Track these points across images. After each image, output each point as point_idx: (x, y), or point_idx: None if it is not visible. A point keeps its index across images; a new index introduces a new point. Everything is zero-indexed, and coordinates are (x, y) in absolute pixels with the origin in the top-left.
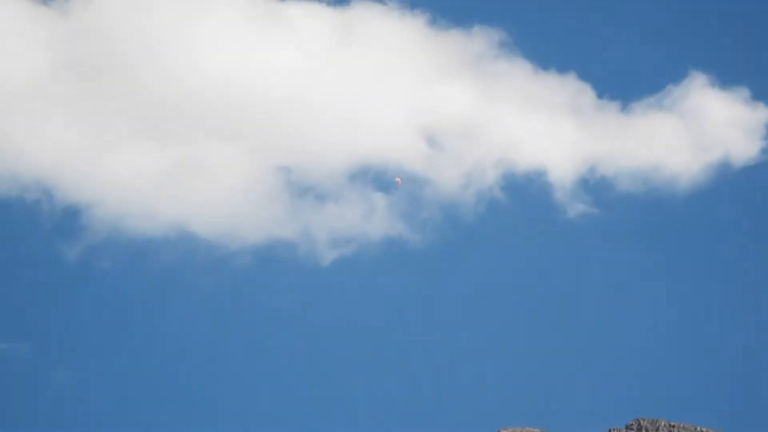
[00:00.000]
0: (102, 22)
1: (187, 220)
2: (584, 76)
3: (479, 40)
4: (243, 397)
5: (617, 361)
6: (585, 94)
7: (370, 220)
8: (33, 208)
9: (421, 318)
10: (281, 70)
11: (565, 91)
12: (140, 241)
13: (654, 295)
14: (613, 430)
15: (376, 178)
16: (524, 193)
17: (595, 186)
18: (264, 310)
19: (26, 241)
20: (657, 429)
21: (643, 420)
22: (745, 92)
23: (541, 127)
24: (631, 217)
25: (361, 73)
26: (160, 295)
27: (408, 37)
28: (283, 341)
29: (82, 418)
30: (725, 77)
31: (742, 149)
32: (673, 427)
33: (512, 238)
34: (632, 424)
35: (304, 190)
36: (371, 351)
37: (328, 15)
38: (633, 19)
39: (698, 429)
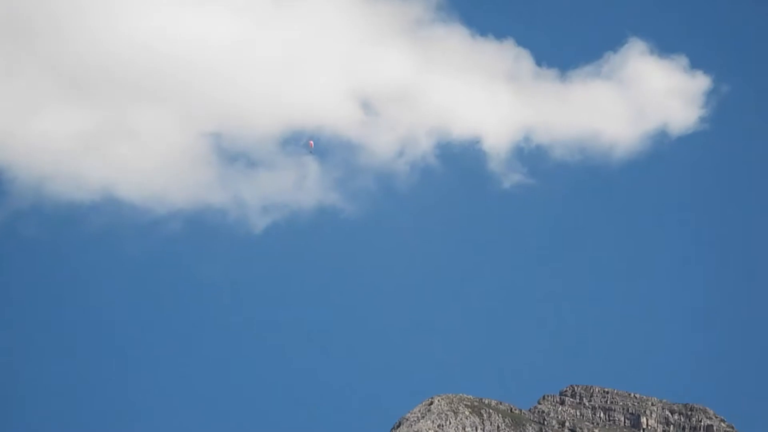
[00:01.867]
0: None
1: (114, 185)
2: (523, 42)
3: (417, 5)
4: (168, 361)
5: (551, 329)
6: (523, 60)
7: (303, 186)
8: None
9: (353, 287)
10: (211, 34)
11: (503, 57)
12: (66, 207)
13: (587, 265)
14: (548, 396)
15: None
16: (459, 163)
17: (530, 155)
18: (193, 278)
19: None
20: (591, 395)
21: (577, 386)
22: (683, 60)
23: (477, 94)
24: (566, 187)
25: (295, 37)
26: (87, 262)
27: (344, 1)
28: (212, 309)
29: (5, 385)
30: (664, 45)
31: (681, 118)
32: (607, 392)
33: (446, 209)
34: (566, 390)
35: (234, 156)
36: (302, 321)
37: None
38: None
39: (631, 395)
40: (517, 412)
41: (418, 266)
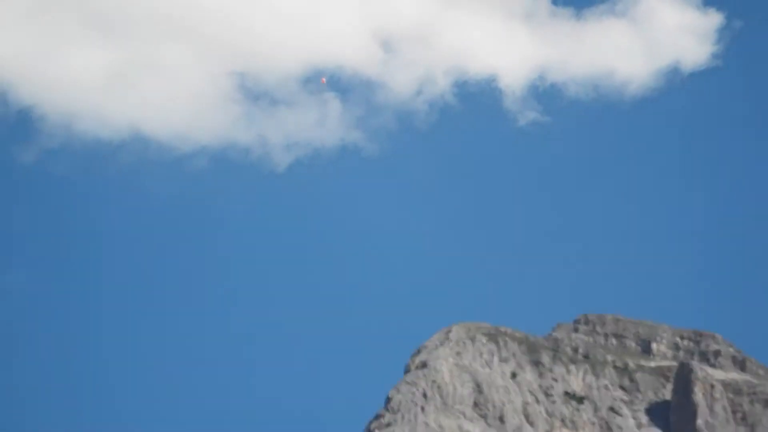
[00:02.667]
0: None
1: (141, 122)
2: None
3: None
4: (190, 295)
5: (565, 261)
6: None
7: (325, 125)
8: None
9: (374, 222)
10: None
11: None
12: (94, 144)
13: (600, 199)
14: (562, 324)
15: (331, 83)
16: (476, 101)
17: (545, 93)
18: (219, 214)
19: None
20: (604, 323)
21: (591, 315)
22: None
23: (494, 33)
24: (581, 124)
25: None
26: (115, 199)
27: None
28: (235, 246)
29: (35, 316)
30: None
31: (693, 55)
32: (619, 320)
33: (463, 146)
34: (580, 319)
35: (258, 95)
36: (325, 254)
37: None
38: None
39: (642, 322)
40: (532, 339)
41: (436, 202)
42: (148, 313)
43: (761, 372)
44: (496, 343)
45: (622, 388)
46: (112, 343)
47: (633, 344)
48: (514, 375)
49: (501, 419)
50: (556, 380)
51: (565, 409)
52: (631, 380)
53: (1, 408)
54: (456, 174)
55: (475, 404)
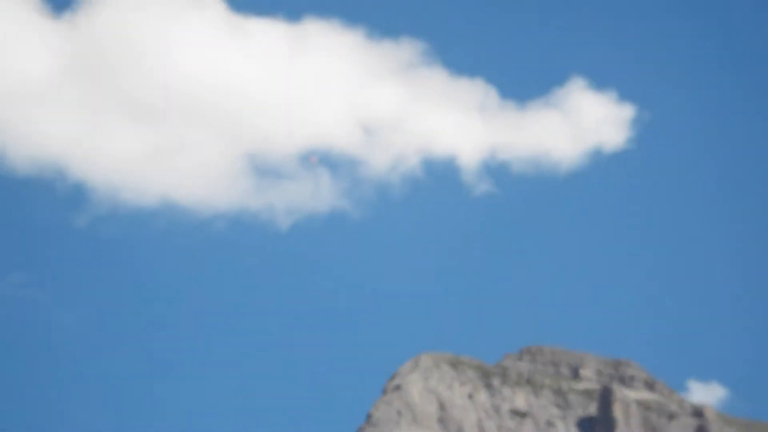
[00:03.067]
0: (102, 34)
1: (171, 192)
2: (490, 80)
3: (407, 50)
4: (226, 332)
5: (512, 303)
6: (490, 94)
7: (319, 194)
8: (48, 185)
9: (360, 275)
10: (245, 73)
11: (474, 92)
12: (135, 211)
13: (539, 256)
14: (509, 354)
15: (323, 160)
16: (439, 176)
17: (495, 170)
18: (234, 266)
19: (42, 213)
20: (542, 353)
21: (533, 347)
22: (614, 94)
23: (454, 122)
24: (524, 195)
25: (311, 76)
26: (154, 256)
27: (349, 47)
28: (253, 291)
29: (86, 355)
30: (599, 81)
31: (612, 139)
32: (555, 351)
33: (430, 213)
34: (524, 350)
35: (265, 171)
36: (319, 300)
37: (283, 29)
38: (526, 34)
39: (572, 352)
40: (485, 366)
41: (408, 259)
42: (181, 346)
43: (666, 392)
44: (456, 369)
45: (557, 406)
46: (154, 369)
47: (565, 370)
48: (470, 396)
49: None
50: (504, 400)
51: (511, 423)
52: (564, 400)
53: None
54: (423, 235)
55: (440, 420)
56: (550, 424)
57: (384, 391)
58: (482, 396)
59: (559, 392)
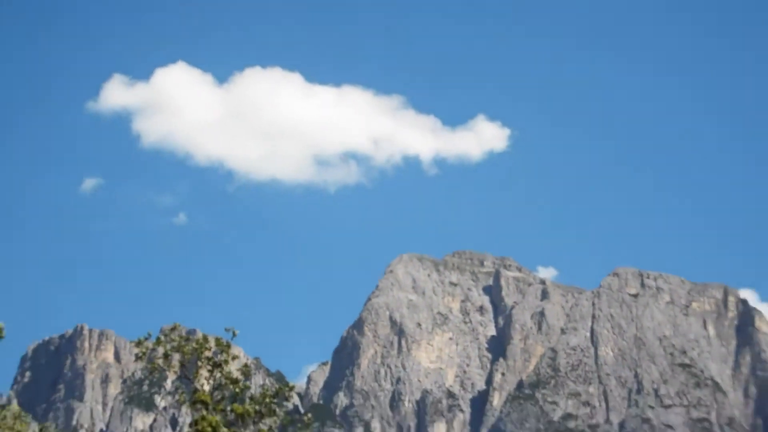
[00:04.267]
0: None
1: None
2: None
3: (395, 101)
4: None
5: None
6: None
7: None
8: (217, 175)
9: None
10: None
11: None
12: (255, 185)
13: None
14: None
15: (354, 156)
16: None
17: (441, 162)
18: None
19: (218, 196)
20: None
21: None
22: (500, 122)
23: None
24: (455, 174)
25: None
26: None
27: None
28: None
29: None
30: (492, 115)
31: (499, 146)
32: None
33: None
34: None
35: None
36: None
37: (332, 91)
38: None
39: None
40: (436, 260)
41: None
42: None
43: (525, 271)
44: (421, 261)
45: (473, 280)
46: None
47: (483, 266)
48: (429, 275)
49: None
50: (446, 277)
51: (450, 289)
52: (476, 277)
53: None
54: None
55: (413, 288)
56: (470, 289)
57: (385, 273)
58: (434, 275)
59: (474, 273)
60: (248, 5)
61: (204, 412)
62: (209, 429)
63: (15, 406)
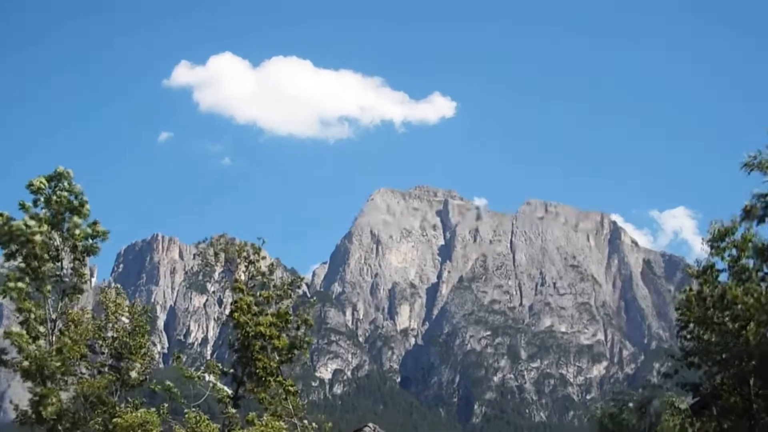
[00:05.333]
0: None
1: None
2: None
3: (376, 81)
4: None
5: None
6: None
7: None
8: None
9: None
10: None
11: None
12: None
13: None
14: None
15: (351, 122)
16: (378, 128)
17: (408, 124)
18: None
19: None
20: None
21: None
22: (449, 97)
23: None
24: (415, 134)
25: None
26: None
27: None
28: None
29: None
30: (445, 91)
31: (447, 113)
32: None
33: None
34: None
35: (328, 123)
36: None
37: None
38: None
39: None
40: (403, 192)
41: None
42: None
43: (464, 200)
44: (393, 193)
45: (436, 215)
46: None
47: (436, 197)
48: (398, 202)
49: None
50: (410, 202)
51: (413, 213)
52: (442, 210)
53: None
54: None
55: (388, 212)
56: (426, 212)
57: (367, 200)
58: (402, 202)
59: (429, 202)
60: (274, 11)
61: (241, 295)
62: (245, 306)
63: (116, 286)
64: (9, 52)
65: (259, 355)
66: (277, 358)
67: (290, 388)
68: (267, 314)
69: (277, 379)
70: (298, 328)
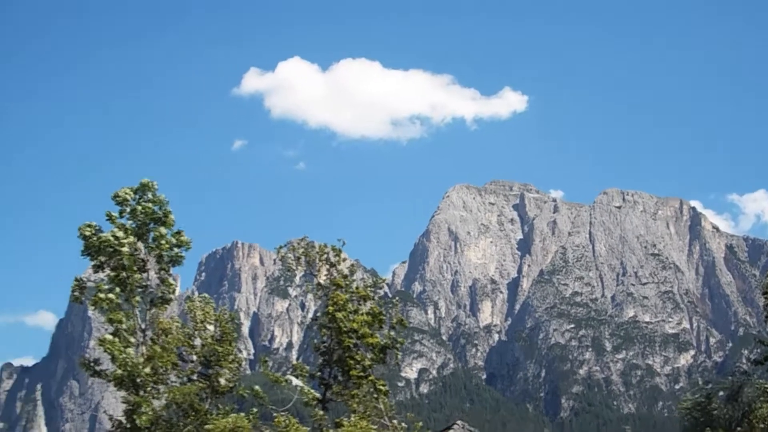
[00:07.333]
0: None
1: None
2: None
3: (445, 78)
4: None
5: None
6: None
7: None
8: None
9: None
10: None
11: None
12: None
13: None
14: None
15: (424, 120)
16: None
17: (483, 121)
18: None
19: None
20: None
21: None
22: (521, 91)
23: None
24: (497, 128)
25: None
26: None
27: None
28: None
29: None
30: (516, 86)
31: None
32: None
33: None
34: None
35: (397, 123)
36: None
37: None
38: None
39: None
40: (478, 187)
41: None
42: None
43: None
44: (469, 189)
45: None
46: None
47: (512, 191)
48: (475, 196)
49: None
50: (485, 197)
51: (491, 208)
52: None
53: None
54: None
55: (464, 208)
56: (503, 206)
57: (443, 198)
58: (478, 198)
59: (505, 196)
60: (341, 14)
61: (338, 291)
62: (341, 301)
63: (203, 295)
64: (88, 68)
65: (352, 353)
66: (369, 357)
67: (381, 387)
68: (361, 313)
69: (369, 378)
70: (392, 328)
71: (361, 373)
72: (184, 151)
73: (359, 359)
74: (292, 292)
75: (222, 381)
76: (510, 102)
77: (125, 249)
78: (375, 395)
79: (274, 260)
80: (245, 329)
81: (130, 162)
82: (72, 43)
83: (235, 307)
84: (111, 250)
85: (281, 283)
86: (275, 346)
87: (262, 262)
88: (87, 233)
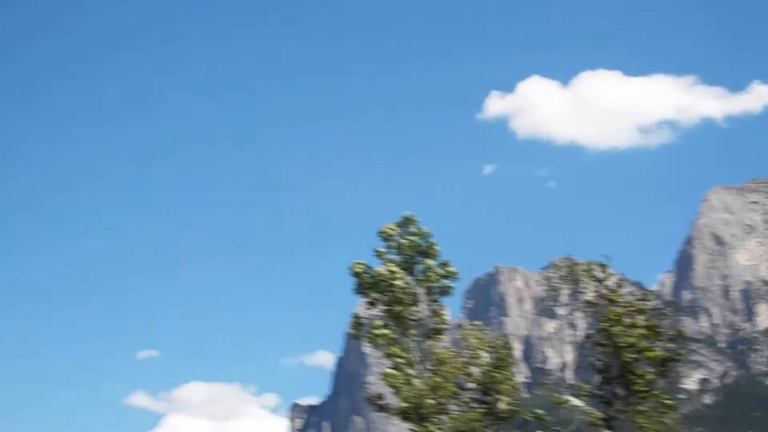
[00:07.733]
0: None
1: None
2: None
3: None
4: None
5: None
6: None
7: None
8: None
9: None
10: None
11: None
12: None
13: None
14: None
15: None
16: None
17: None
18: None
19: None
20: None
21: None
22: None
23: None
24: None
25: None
26: None
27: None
28: None
29: None
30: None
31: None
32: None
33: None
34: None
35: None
36: None
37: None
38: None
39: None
40: (739, 186)
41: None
42: None
43: None
44: (728, 190)
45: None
46: None
47: None
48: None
49: None
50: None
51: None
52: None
53: None
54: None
55: (726, 208)
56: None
57: (701, 202)
58: (739, 198)
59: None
60: (574, 30)
61: (613, 306)
62: (615, 316)
63: (477, 323)
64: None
65: (632, 368)
66: (652, 371)
67: (667, 401)
68: (638, 327)
69: (654, 392)
70: (671, 340)
71: (645, 389)
72: (437, 182)
73: (641, 374)
74: (560, 311)
75: (501, 406)
76: (761, 96)
77: (399, 283)
78: (661, 410)
79: (537, 281)
80: (518, 352)
81: (391, 197)
82: None
83: (505, 331)
84: (385, 285)
85: (547, 303)
86: (549, 366)
87: (526, 284)
88: (358, 270)
